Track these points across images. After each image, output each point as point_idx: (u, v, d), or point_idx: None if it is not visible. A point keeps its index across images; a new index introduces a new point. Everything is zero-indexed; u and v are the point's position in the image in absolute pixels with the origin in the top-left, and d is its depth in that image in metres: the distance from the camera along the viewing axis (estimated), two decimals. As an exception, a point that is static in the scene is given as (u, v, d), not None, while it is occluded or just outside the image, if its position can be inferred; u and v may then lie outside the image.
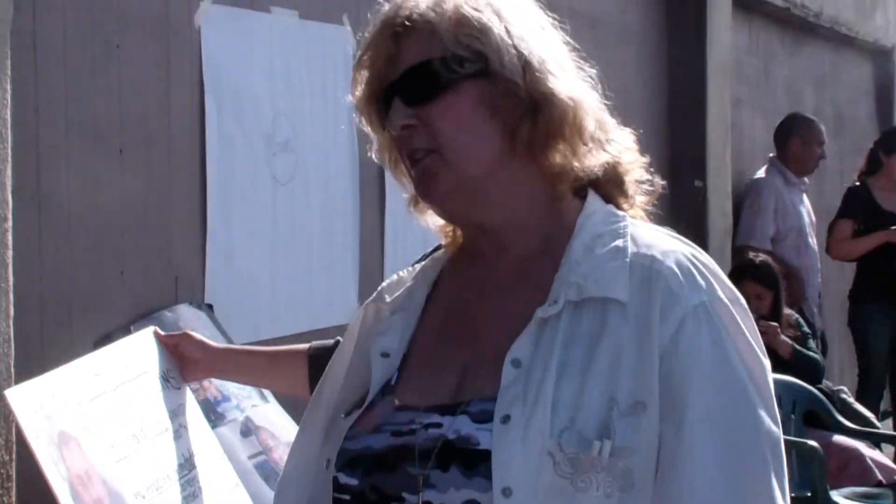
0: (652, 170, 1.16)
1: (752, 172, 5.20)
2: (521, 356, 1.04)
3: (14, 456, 1.93)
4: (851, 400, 4.19)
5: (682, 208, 4.41)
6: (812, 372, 3.90)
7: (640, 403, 1.01)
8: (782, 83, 5.81)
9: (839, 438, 3.71)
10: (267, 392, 2.30)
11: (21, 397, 1.54)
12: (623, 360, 1.02)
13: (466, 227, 1.16)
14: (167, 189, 2.43)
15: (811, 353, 4.00)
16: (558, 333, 1.04)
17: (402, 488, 1.05)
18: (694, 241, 1.13)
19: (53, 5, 2.14)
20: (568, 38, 1.14)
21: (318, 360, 1.90)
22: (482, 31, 1.07)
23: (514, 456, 1.00)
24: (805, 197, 5.13)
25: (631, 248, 1.07)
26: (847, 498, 3.50)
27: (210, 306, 2.52)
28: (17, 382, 1.87)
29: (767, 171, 5.07)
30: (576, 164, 1.10)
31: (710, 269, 1.07)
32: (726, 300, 1.05)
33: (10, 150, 1.93)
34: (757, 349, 1.05)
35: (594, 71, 1.13)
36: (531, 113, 1.08)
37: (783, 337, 3.94)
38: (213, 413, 2.16)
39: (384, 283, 1.25)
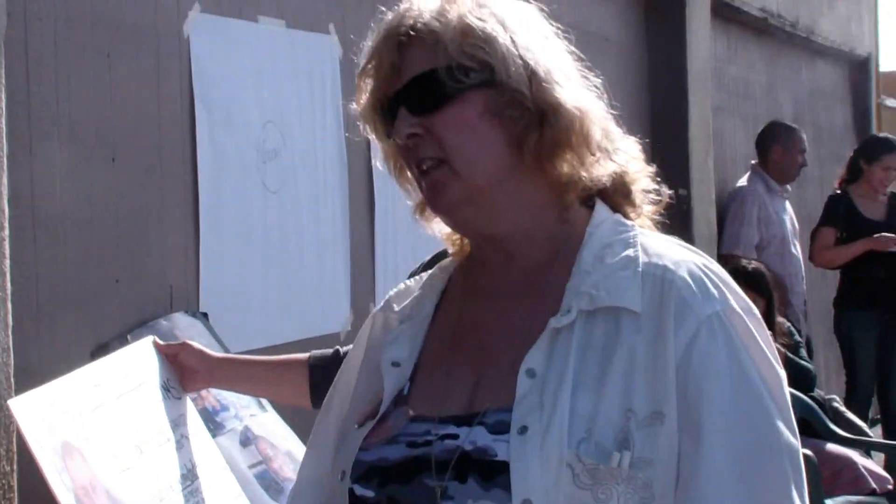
0: (658, 179, 1.16)
1: (734, 180, 5.25)
2: (536, 366, 1.04)
3: (15, 466, 1.92)
4: (843, 408, 4.21)
5: (666, 216, 4.44)
6: (804, 380, 3.92)
7: (658, 414, 1.01)
8: (761, 91, 5.88)
9: (832, 447, 3.73)
10: (265, 401, 2.29)
11: (24, 407, 1.53)
12: (638, 370, 1.02)
13: (475, 237, 1.16)
14: (160, 197, 2.43)
15: (803, 362, 4.02)
16: (572, 343, 1.04)
17: (419, 500, 1.05)
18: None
19: (45, 15, 2.14)
20: (573, 48, 1.14)
21: (318, 370, 1.90)
22: (487, 41, 1.07)
23: (533, 467, 1.00)
24: (787, 204, 5.18)
25: (642, 258, 1.07)
26: (841, 507, 3.51)
27: (205, 315, 2.52)
28: (16, 392, 1.85)
29: (750, 179, 5.12)
30: (583, 173, 1.10)
31: (722, 279, 1.07)
32: (739, 310, 1.05)
33: (5, 159, 1.92)
34: (772, 359, 1.05)
35: (599, 80, 1.14)
36: (538, 123, 1.08)
37: (776, 345, 3.96)
38: (212, 422, 2.14)
39: (391, 293, 1.25)
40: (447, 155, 1.09)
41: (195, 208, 2.50)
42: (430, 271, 1.24)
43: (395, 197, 3.24)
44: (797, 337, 4.16)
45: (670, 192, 1.16)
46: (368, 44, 1.14)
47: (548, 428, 1.01)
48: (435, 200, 1.11)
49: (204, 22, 2.50)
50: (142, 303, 2.37)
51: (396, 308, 1.21)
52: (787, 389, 1.06)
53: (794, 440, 1.03)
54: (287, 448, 2.27)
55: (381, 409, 1.12)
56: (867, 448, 4.00)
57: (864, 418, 4.76)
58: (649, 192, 1.15)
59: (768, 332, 1.08)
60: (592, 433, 1.01)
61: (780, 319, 4.11)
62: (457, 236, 1.20)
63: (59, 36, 2.17)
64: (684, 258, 1.08)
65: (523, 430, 1.02)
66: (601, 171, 1.11)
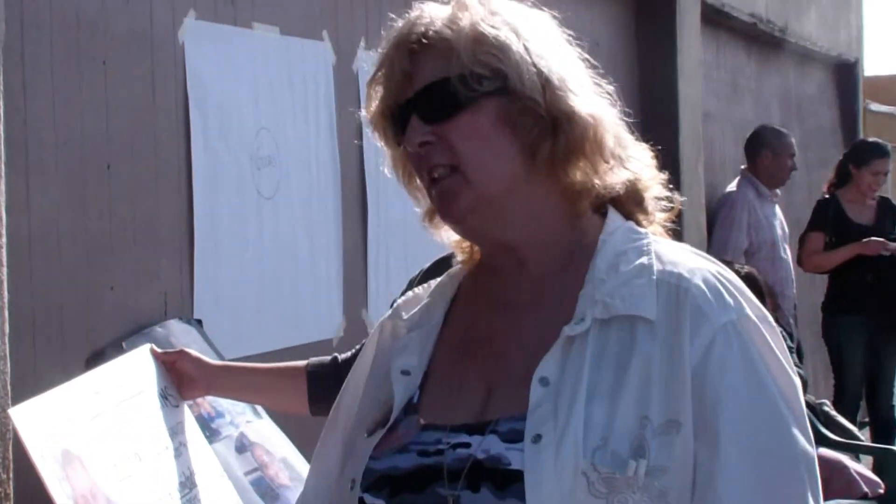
0: (671, 186, 1.16)
1: (724, 185, 5.27)
2: (549, 374, 1.04)
3: (12, 475, 1.91)
4: (834, 413, 4.23)
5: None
6: (797, 386, 3.93)
7: (675, 422, 1.01)
8: (750, 96, 5.91)
9: (823, 451, 3.75)
10: (259, 407, 2.28)
11: (25, 416, 1.52)
12: (654, 379, 1.02)
13: (486, 245, 1.16)
14: (155, 204, 2.43)
15: (795, 367, 4.04)
16: (586, 352, 1.04)
17: None
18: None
19: (41, 22, 2.14)
20: (586, 56, 1.14)
21: (316, 377, 1.90)
22: (501, 49, 1.07)
23: (547, 476, 1.00)
24: (777, 209, 5.20)
25: (656, 266, 1.07)
26: (834, 512, 3.53)
27: (199, 321, 2.51)
28: (13, 400, 1.85)
29: (739, 185, 5.13)
30: (597, 181, 1.10)
31: (737, 287, 1.07)
32: (755, 318, 1.05)
33: (2, 167, 1.92)
34: (787, 366, 1.05)
35: (612, 88, 1.14)
36: (551, 131, 1.08)
37: None
38: (208, 429, 2.14)
39: (400, 300, 1.24)
40: (459, 163, 1.08)
41: (189, 215, 2.50)
42: (438, 279, 1.23)
43: (388, 204, 3.27)
44: (788, 342, 4.18)
45: (683, 199, 1.17)
46: (379, 51, 1.14)
47: (562, 436, 1.01)
48: (446, 209, 1.11)
49: (199, 29, 2.50)
50: (136, 310, 2.37)
51: (405, 316, 1.20)
52: (802, 397, 1.06)
53: (810, 447, 1.03)
54: (282, 455, 2.27)
55: (391, 417, 1.12)
56: (859, 452, 4.02)
57: (852, 422, 4.78)
58: (661, 199, 1.15)
59: (783, 340, 1.08)
60: (608, 441, 1.00)
61: (772, 325, 4.12)
62: (466, 243, 1.20)
63: (56, 43, 2.17)
64: (699, 266, 1.07)
65: (537, 438, 1.01)
66: (615, 178, 1.11)
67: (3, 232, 1.95)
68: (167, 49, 2.43)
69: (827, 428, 3.89)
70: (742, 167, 5.24)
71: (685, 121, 4.71)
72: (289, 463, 2.27)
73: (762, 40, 5.99)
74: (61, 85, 2.18)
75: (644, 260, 1.07)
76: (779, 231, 5.08)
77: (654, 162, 1.16)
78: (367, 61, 3.11)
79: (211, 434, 2.13)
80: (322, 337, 2.98)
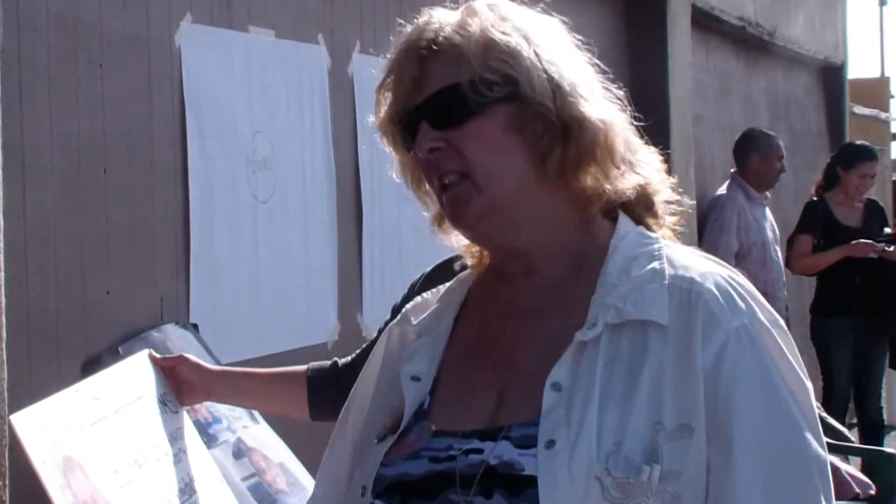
0: (681, 190, 1.17)
1: (713, 188, 5.29)
2: (561, 380, 1.04)
3: (8, 482, 1.90)
4: (825, 414, 4.25)
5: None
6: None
7: (687, 427, 1.01)
8: (739, 100, 5.94)
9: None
10: (256, 413, 2.28)
11: (26, 422, 1.52)
12: (666, 383, 1.02)
13: (496, 251, 1.16)
14: (151, 208, 2.42)
15: None
16: (598, 357, 1.04)
17: None
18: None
19: (38, 25, 2.13)
20: (595, 60, 1.14)
21: (317, 382, 1.89)
22: (511, 55, 1.07)
23: (561, 481, 1.00)
24: (767, 211, 5.23)
25: (668, 270, 1.07)
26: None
27: (195, 326, 2.51)
28: (10, 406, 1.84)
29: (729, 187, 5.16)
30: (607, 186, 1.10)
31: (749, 291, 1.07)
32: (767, 322, 1.06)
33: (0, 170, 1.91)
34: (799, 371, 1.05)
35: (621, 92, 1.14)
36: (562, 137, 1.07)
37: None
38: (205, 435, 2.13)
39: (408, 305, 1.24)
40: (469, 169, 1.08)
41: (186, 219, 2.49)
42: (447, 284, 1.23)
43: (382, 208, 3.27)
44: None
45: (692, 202, 1.17)
46: (387, 57, 1.13)
47: (576, 442, 1.00)
48: (456, 215, 1.10)
49: (195, 32, 2.50)
50: (133, 314, 2.36)
51: (414, 321, 1.19)
52: (814, 401, 1.06)
53: (823, 451, 1.03)
54: (280, 460, 2.27)
55: (402, 423, 1.11)
56: (849, 453, 4.04)
57: (841, 424, 4.81)
58: (671, 203, 1.15)
59: (794, 344, 1.08)
60: (621, 447, 1.00)
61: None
62: (476, 249, 1.19)
63: (52, 47, 2.16)
64: (711, 270, 1.07)
65: (550, 444, 1.01)
66: (625, 183, 1.11)
67: (1, 236, 1.94)
68: (163, 53, 2.42)
69: (819, 430, 3.90)
70: (732, 170, 5.27)
71: (675, 124, 4.73)
72: (286, 468, 2.26)
73: (751, 44, 6.03)
74: (58, 88, 2.17)
75: (656, 264, 1.07)
76: (769, 233, 5.10)
77: (663, 166, 1.16)
78: (362, 65, 3.10)
79: (208, 440, 2.12)
80: (317, 341, 2.98)
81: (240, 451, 2.20)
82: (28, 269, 2.12)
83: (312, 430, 2.57)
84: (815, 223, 5.24)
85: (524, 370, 1.08)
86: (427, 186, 1.15)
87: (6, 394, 1.93)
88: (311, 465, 2.28)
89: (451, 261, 1.95)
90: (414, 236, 3.35)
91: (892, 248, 5.14)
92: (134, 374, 1.78)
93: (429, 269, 1.97)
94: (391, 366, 1.19)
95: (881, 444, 5.07)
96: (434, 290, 1.23)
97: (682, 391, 1.02)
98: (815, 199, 5.38)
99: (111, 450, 1.62)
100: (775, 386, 1.03)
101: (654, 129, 1.21)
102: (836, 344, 5.21)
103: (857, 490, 3.71)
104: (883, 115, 13.83)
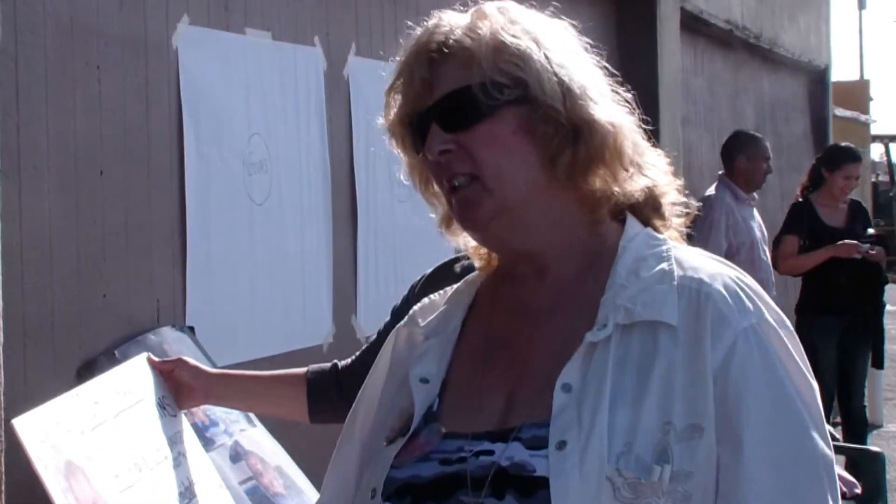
0: (687, 192, 1.18)
1: (701, 189, 5.32)
2: (572, 381, 1.04)
3: (3, 487, 1.89)
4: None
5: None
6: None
7: (697, 426, 1.02)
8: (726, 102, 5.98)
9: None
10: (252, 415, 2.27)
11: (28, 426, 1.51)
12: (676, 383, 1.03)
13: (505, 252, 1.16)
14: (147, 210, 2.41)
15: None
16: (609, 357, 1.04)
17: None
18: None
19: (35, 27, 2.12)
20: (604, 63, 1.15)
21: (316, 385, 1.89)
22: (522, 58, 1.07)
23: (573, 482, 1.00)
24: (755, 211, 5.26)
25: (677, 271, 1.08)
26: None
27: (192, 329, 2.50)
28: (6, 410, 1.83)
29: (717, 188, 5.18)
30: (616, 188, 1.10)
31: (756, 292, 1.08)
32: (774, 322, 1.07)
33: (-1, 173, 1.90)
34: (805, 370, 1.06)
35: (629, 95, 1.14)
36: (571, 139, 1.08)
37: None
38: (202, 438, 2.13)
39: (416, 307, 1.24)
40: (480, 171, 1.08)
41: (182, 221, 2.49)
42: (455, 285, 1.23)
43: (377, 211, 3.27)
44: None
45: (698, 204, 1.17)
46: (397, 59, 1.13)
47: (587, 442, 1.01)
48: (466, 217, 1.11)
49: (192, 34, 2.49)
50: (129, 317, 2.35)
51: (422, 323, 1.19)
52: (819, 400, 1.07)
53: (829, 450, 1.05)
54: (277, 463, 2.26)
55: (411, 426, 1.11)
56: (835, 452, 4.07)
57: (826, 423, 4.83)
58: (677, 204, 1.16)
59: (800, 344, 1.09)
60: (632, 447, 1.01)
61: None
62: (483, 250, 1.19)
63: (50, 48, 2.15)
64: (719, 271, 1.08)
65: (562, 445, 1.02)
66: (634, 186, 1.11)
67: None
68: (161, 54, 2.41)
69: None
70: (720, 172, 5.30)
71: (665, 128, 4.76)
72: (283, 471, 2.26)
73: (737, 47, 6.07)
74: (55, 90, 2.16)
75: (664, 266, 1.08)
76: (757, 233, 5.13)
77: (670, 168, 1.16)
78: (358, 67, 3.10)
79: (205, 443, 2.11)
80: (312, 343, 2.98)
81: (237, 455, 2.20)
82: (24, 272, 2.11)
83: (308, 432, 2.57)
84: (801, 224, 5.28)
85: (534, 371, 1.09)
86: (435, 188, 1.16)
87: (2, 398, 1.92)
88: (307, 468, 2.27)
89: (451, 262, 1.96)
90: (408, 238, 3.35)
91: (874, 249, 5.19)
92: (132, 378, 1.77)
93: (429, 270, 1.97)
94: (399, 368, 1.19)
95: (865, 443, 5.10)
96: (441, 291, 1.23)
97: (691, 391, 1.02)
98: (800, 200, 5.42)
99: (112, 454, 1.61)
100: (783, 385, 1.04)
101: (644, 131, 1.22)
102: (821, 343, 5.24)
103: (844, 489, 3.74)
104: (863, 117, 13.97)
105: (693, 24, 5.33)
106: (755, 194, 5.28)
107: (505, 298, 1.16)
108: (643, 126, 1.15)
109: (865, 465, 4.16)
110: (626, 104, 1.14)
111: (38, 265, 2.14)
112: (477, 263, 1.21)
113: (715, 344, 1.03)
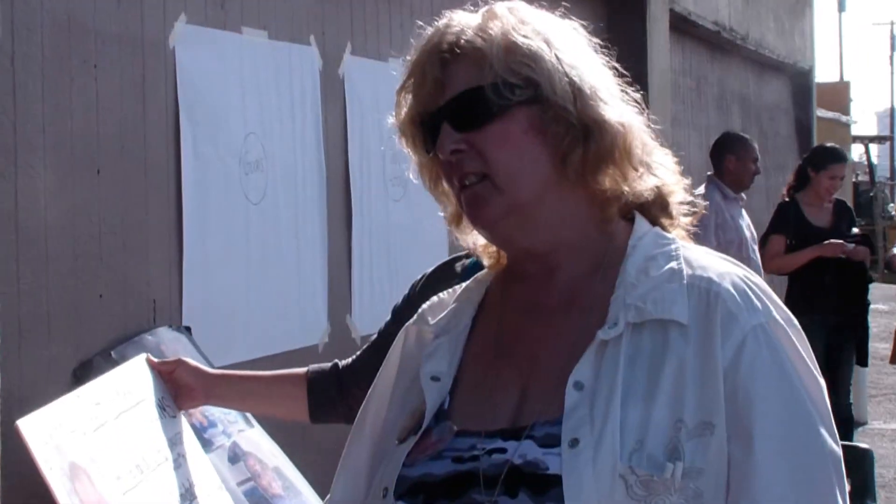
0: (695, 192, 1.19)
1: (690, 189, 5.35)
2: (583, 379, 1.05)
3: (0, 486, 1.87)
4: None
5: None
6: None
7: (708, 424, 1.02)
8: (713, 102, 6.01)
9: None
10: (250, 416, 2.26)
11: (32, 428, 1.49)
12: (687, 381, 1.04)
13: (515, 251, 1.16)
14: (144, 210, 2.40)
15: None
16: (620, 355, 1.05)
17: None
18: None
19: (32, 25, 2.10)
20: (614, 64, 1.16)
21: (317, 384, 1.88)
22: (533, 58, 1.08)
23: (586, 480, 1.01)
24: (744, 211, 5.30)
25: (686, 270, 1.08)
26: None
27: (188, 329, 2.49)
28: (2, 411, 1.82)
29: (706, 188, 5.22)
30: (625, 188, 1.11)
31: (764, 291, 1.09)
32: (782, 321, 1.07)
33: (-4, 172, 1.89)
34: (812, 368, 1.08)
35: (638, 95, 1.15)
36: (582, 138, 1.09)
37: None
38: (201, 439, 2.12)
39: (425, 305, 1.24)
40: (490, 170, 1.09)
41: (178, 221, 2.48)
42: (464, 284, 1.23)
43: (372, 210, 3.26)
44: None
45: (705, 203, 1.18)
46: (407, 59, 1.14)
47: (600, 440, 1.01)
48: (476, 214, 1.11)
49: (189, 33, 2.48)
50: (125, 318, 2.34)
51: (431, 321, 1.20)
52: (826, 397, 1.08)
53: (837, 447, 1.05)
54: (275, 464, 2.26)
55: (423, 424, 1.11)
56: None
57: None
58: (684, 203, 1.17)
59: (807, 342, 1.10)
60: (644, 445, 1.01)
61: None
62: (493, 248, 1.20)
63: (46, 46, 2.14)
64: (728, 270, 1.09)
65: (574, 442, 1.02)
66: (643, 185, 1.12)
67: (-1, 239, 1.92)
68: (158, 53, 2.41)
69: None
70: (709, 173, 5.33)
71: (655, 128, 4.77)
72: (281, 472, 2.25)
73: (724, 48, 6.11)
74: (51, 88, 2.15)
75: (674, 265, 1.09)
76: (746, 232, 5.17)
77: (677, 167, 1.17)
78: (353, 66, 3.10)
79: (204, 444, 2.10)
80: (307, 343, 2.97)
81: (235, 456, 2.19)
82: (20, 272, 2.10)
83: (305, 432, 2.56)
84: (787, 224, 5.32)
85: (545, 369, 1.09)
86: (444, 187, 1.16)
87: (0, 399, 1.91)
88: (304, 469, 2.27)
89: (452, 261, 1.96)
90: (402, 237, 3.35)
91: (857, 249, 5.24)
92: (132, 379, 1.76)
93: (430, 269, 1.97)
94: (409, 366, 1.19)
95: (851, 440, 5.15)
96: (450, 290, 1.24)
97: (702, 389, 1.03)
98: (786, 199, 5.46)
99: (114, 455, 1.60)
100: (792, 383, 1.05)
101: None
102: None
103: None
104: (843, 118, 14.10)
105: (681, 26, 5.36)
106: (743, 195, 5.31)
107: (515, 297, 1.16)
108: (652, 126, 1.16)
109: (854, 462, 4.20)
110: (636, 104, 1.15)
111: (34, 265, 2.13)
112: (486, 261, 1.22)
113: (725, 342, 1.04)
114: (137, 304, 2.38)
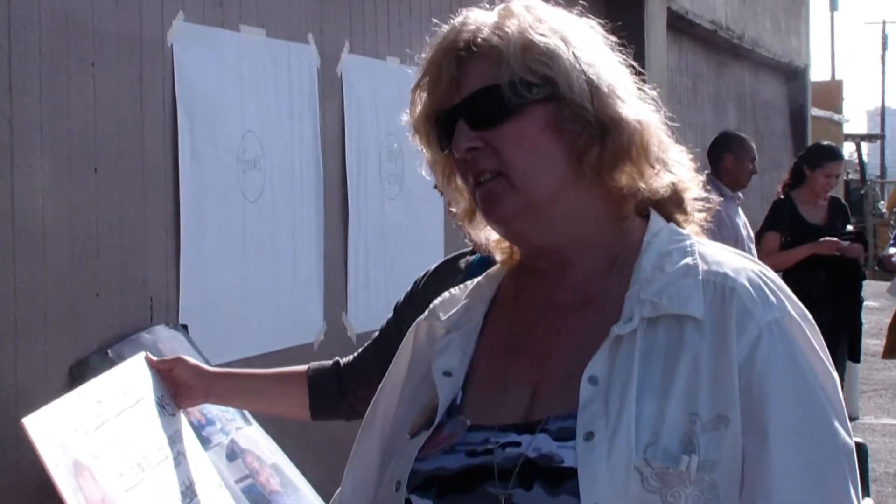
0: (709, 187, 1.18)
1: (704, 185, 5.35)
2: (598, 373, 1.05)
3: None
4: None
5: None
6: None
7: (723, 417, 1.03)
8: (709, 101, 6.02)
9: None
10: (248, 413, 2.26)
11: (37, 425, 1.50)
12: (702, 375, 1.04)
13: (530, 248, 1.16)
14: (142, 208, 2.39)
15: None
16: (635, 350, 1.05)
17: None
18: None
19: (30, 23, 2.09)
20: (631, 62, 1.16)
21: (318, 382, 1.89)
22: (550, 56, 1.08)
23: (601, 472, 1.01)
24: (740, 210, 5.32)
25: (701, 266, 1.09)
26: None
27: (185, 327, 2.48)
28: (0, 408, 1.82)
29: (703, 186, 5.23)
30: (642, 185, 1.11)
31: (779, 286, 1.10)
32: (796, 316, 1.08)
33: (-6, 171, 1.89)
34: (826, 362, 1.08)
35: (654, 93, 1.15)
36: (599, 136, 1.09)
37: None
38: (198, 437, 2.12)
39: (436, 301, 1.24)
40: (506, 168, 1.09)
41: (176, 219, 2.47)
42: (475, 280, 1.23)
43: (368, 209, 3.26)
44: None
45: (720, 199, 1.18)
46: (422, 57, 1.13)
47: (615, 433, 1.02)
48: (490, 211, 1.11)
49: (187, 31, 2.47)
50: (123, 316, 2.33)
51: (443, 317, 1.19)
52: (840, 390, 1.08)
53: (850, 440, 1.06)
54: (273, 461, 2.26)
55: (436, 418, 1.11)
56: None
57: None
58: (699, 199, 1.17)
59: (821, 336, 1.10)
60: (659, 438, 1.02)
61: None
62: (506, 244, 1.20)
63: (44, 44, 2.13)
64: (743, 266, 1.10)
65: (589, 436, 1.02)
66: (660, 182, 1.12)
67: (-3, 237, 1.91)
68: (156, 51, 2.40)
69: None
70: (706, 172, 5.35)
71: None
72: (279, 469, 2.25)
73: (721, 46, 6.12)
74: (49, 87, 2.14)
75: (689, 260, 1.09)
76: (742, 230, 5.18)
77: (692, 164, 1.17)
78: (351, 65, 3.10)
79: (202, 442, 2.10)
80: (303, 341, 2.97)
81: (233, 453, 2.19)
82: (17, 270, 2.09)
83: (301, 430, 2.56)
84: (783, 221, 5.34)
85: (558, 365, 1.09)
86: (457, 183, 1.16)
87: (-2, 397, 1.90)
88: (301, 466, 2.27)
89: (455, 258, 1.96)
90: (398, 235, 3.35)
91: (851, 246, 5.26)
92: (132, 378, 1.76)
93: (434, 265, 1.97)
94: (421, 362, 1.19)
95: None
96: (462, 285, 1.23)
97: (717, 383, 1.03)
98: (781, 197, 5.48)
99: (115, 453, 1.60)
100: (806, 377, 1.05)
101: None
102: (801, 338, 5.30)
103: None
104: (836, 116, 14.15)
105: (678, 24, 5.37)
106: (740, 193, 5.33)
107: (528, 293, 1.16)
108: (668, 123, 1.16)
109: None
110: (652, 102, 1.14)
111: (31, 263, 2.12)
112: (498, 257, 1.22)
113: (740, 337, 1.04)
114: (135, 303, 2.38)
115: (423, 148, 1.16)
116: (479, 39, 1.09)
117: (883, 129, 30.17)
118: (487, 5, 1.14)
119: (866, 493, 3.66)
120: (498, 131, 1.09)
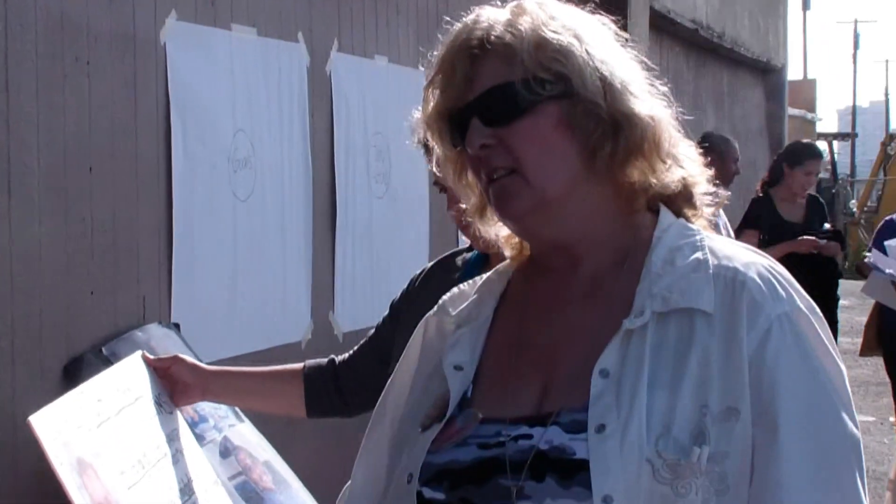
0: (717, 182, 1.20)
1: (713, 180, 5.39)
2: (609, 366, 1.06)
3: None
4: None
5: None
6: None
7: (734, 410, 1.04)
8: (688, 101, 6.07)
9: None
10: (239, 410, 2.28)
11: (43, 423, 1.50)
12: (713, 368, 1.05)
13: (541, 244, 1.17)
14: (135, 208, 2.40)
15: None
16: (645, 344, 1.07)
17: (494, 500, 1.06)
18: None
19: (25, 22, 2.10)
20: (643, 58, 1.17)
21: (314, 380, 1.90)
22: (563, 54, 1.09)
23: (613, 464, 1.02)
24: (721, 210, 5.36)
25: (711, 260, 1.10)
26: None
27: (177, 325, 2.49)
28: None
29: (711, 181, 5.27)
30: (653, 180, 1.13)
31: (788, 280, 1.12)
32: (805, 309, 1.10)
33: (-7, 170, 1.89)
34: (835, 355, 1.10)
35: (665, 88, 1.17)
36: (611, 132, 1.10)
37: None
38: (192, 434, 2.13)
39: (445, 297, 1.25)
40: (519, 165, 1.10)
41: (168, 218, 2.48)
42: (484, 275, 1.24)
43: (356, 207, 3.28)
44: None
45: (728, 193, 1.20)
46: (435, 55, 1.14)
47: (626, 425, 1.03)
48: (504, 208, 1.12)
49: (180, 30, 2.48)
50: (115, 314, 2.34)
51: (452, 312, 1.21)
52: (847, 382, 1.10)
53: (857, 432, 1.08)
54: (265, 458, 2.27)
55: (447, 412, 1.12)
56: None
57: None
58: (708, 194, 1.19)
59: (829, 329, 1.12)
60: (670, 429, 1.03)
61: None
62: (516, 240, 1.21)
63: (39, 44, 2.13)
64: (752, 260, 1.11)
65: (601, 428, 1.03)
66: (671, 177, 1.14)
67: (-4, 236, 1.91)
68: (149, 50, 2.40)
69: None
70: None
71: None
72: (271, 466, 2.26)
73: (701, 46, 6.16)
74: (45, 86, 2.14)
75: (699, 255, 1.11)
76: (722, 230, 5.22)
77: (701, 159, 1.19)
78: (340, 63, 3.11)
79: (195, 440, 2.11)
80: (290, 340, 2.98)
81: (226, 451, 2.20)
82: (12, 269, 2.09)
83: (297, 427, 2.57)
84: (761, 219, 5.37)
85: (569, 359, 1.10)
86: (469, 179, 1.17)
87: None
88: (293, 463, 2.29)
89: (452, 256, 1.98)
90: (385, 234, 3.36)
91: (828, 244, 5.31)
92: (130, 376, 1.77)
93: (430, 264, 1.99)
94: (431, 356, 1.20)
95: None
96: (471, 281, 1.25)
97: (727, 375, 1.05)
98: (760, 195, 5.51)
99: (117, 451, 1.61)
100: (815, 369, 1.07)
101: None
102: (780, 338, 5.34)
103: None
104: (809, 115, 14.25)
105: (660, 23, 5.41)
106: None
107: (538, 288, 1.17)
108: (679, 118, 1.17)
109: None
110: (663, 97, 1.16)
111: (26, 262, 2.13)
112: (508, 253, 1.23)
113: (750, 331, 1.06)
114: (128, 301, 2.38)
115: (436, 144, 1.17)
116: (492, 37, 1.10)
117: (854, 127, 30.42)
118: (497, 3, 1.15)
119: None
120: (511, 128, 1.10)
